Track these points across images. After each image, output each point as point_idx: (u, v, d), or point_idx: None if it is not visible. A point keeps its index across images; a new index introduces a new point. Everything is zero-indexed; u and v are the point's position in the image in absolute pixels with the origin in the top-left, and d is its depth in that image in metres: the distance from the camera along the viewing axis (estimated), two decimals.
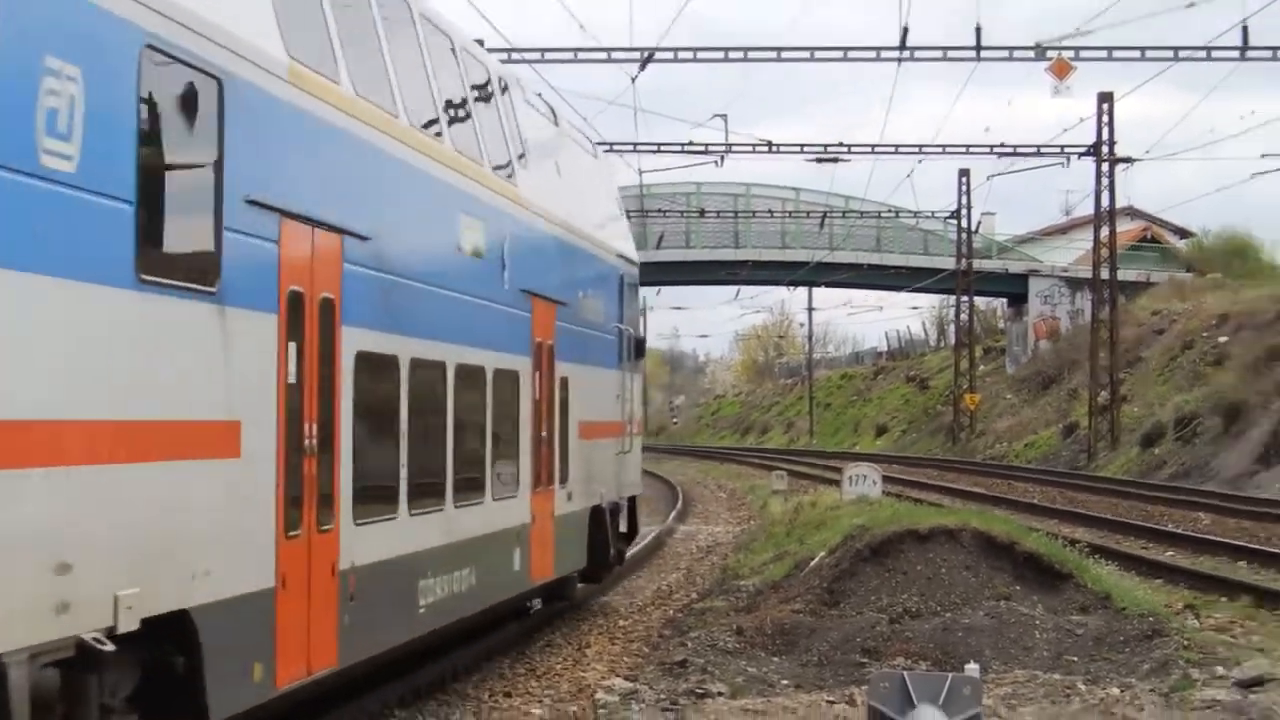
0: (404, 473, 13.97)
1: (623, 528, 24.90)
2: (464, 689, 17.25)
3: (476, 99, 17.31)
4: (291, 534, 11.22)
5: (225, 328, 10.23)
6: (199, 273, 9.95)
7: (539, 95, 22.51)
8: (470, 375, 16.15)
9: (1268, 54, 41.26)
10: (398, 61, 14.28)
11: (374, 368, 13.24)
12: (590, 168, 24.44)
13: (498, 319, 17.22)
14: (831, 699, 15.82)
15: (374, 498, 13.20)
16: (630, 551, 31.38)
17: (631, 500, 25.59)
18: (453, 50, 16.67)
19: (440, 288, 15.10)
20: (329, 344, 12.15)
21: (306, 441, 11.61)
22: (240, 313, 10.46)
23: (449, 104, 16.03)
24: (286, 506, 11.13)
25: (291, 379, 11.28)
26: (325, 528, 11.86)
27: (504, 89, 18.86)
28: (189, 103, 9.83)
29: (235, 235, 10.40)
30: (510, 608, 19.38)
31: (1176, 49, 42.77)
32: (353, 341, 12.57)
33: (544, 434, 19.13)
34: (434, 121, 15.32)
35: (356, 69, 12.92)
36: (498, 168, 17.54)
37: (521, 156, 18.89)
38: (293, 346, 11.32)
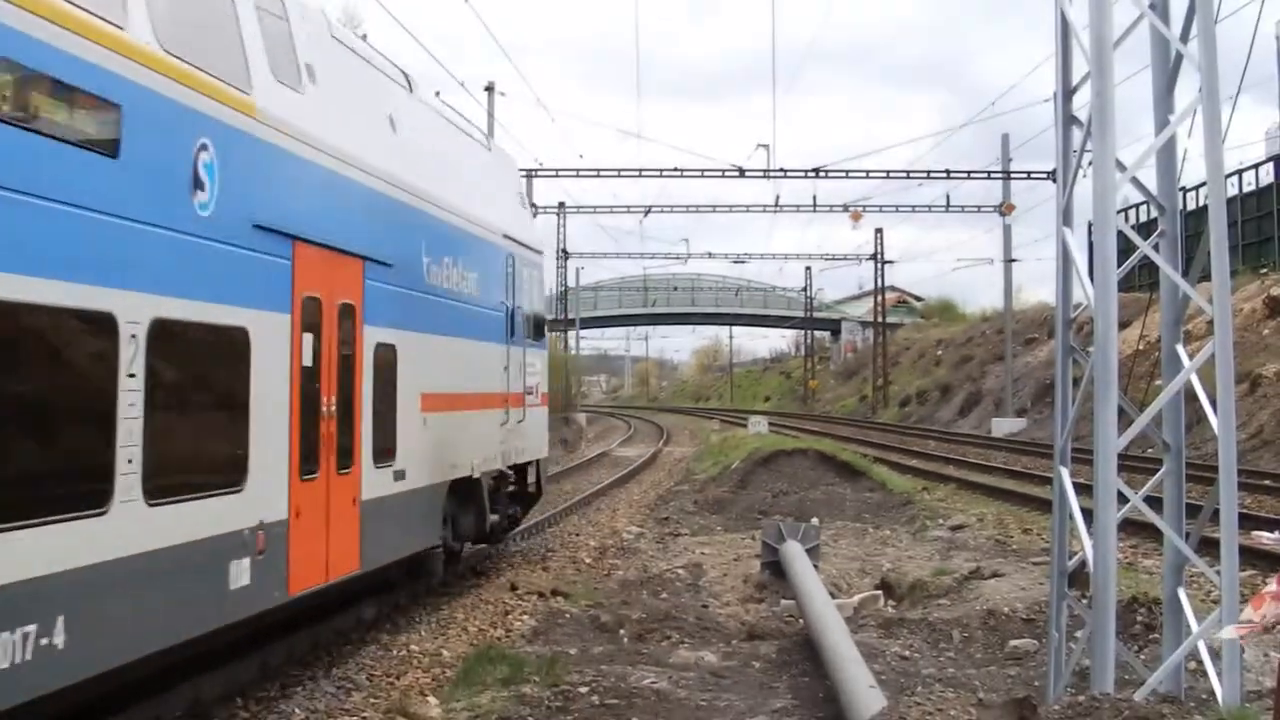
0: None
1: (531, 489, 14.24)
2: (552, 528, 17.18)
3: None
4: None
5: None
6: None
7: (400, 67, 10.87)
8: (42, 320, 5.15)
9: (959, 209, 42.99)
10: None
11: None
12: (476, 155, 13.10)
13: (171, 250, 6.17)
14: (742, 536, 15.76)
15: None
16: (636, 464, 30.12)
17: (537, 464, 14.25)
18: None
19: None
20: None
21: None
22: None
23: None
24: None
25: None
26: None
27: None
28: None
29: None
30: (234, 635, 7.40)
31: (914, 206, 43.68)
32: None
33: (332, 408, 8.24)
34: None
35: None
36: (197, 61, 6.51)
37: (286, 74, 7.83)
38: None
